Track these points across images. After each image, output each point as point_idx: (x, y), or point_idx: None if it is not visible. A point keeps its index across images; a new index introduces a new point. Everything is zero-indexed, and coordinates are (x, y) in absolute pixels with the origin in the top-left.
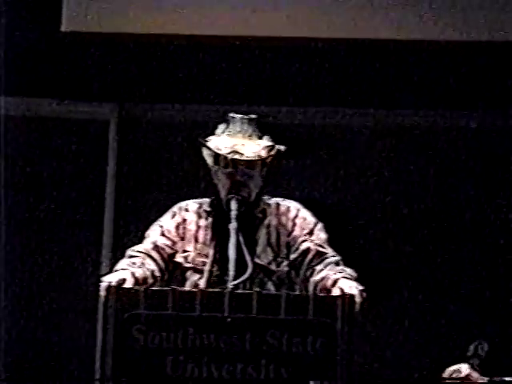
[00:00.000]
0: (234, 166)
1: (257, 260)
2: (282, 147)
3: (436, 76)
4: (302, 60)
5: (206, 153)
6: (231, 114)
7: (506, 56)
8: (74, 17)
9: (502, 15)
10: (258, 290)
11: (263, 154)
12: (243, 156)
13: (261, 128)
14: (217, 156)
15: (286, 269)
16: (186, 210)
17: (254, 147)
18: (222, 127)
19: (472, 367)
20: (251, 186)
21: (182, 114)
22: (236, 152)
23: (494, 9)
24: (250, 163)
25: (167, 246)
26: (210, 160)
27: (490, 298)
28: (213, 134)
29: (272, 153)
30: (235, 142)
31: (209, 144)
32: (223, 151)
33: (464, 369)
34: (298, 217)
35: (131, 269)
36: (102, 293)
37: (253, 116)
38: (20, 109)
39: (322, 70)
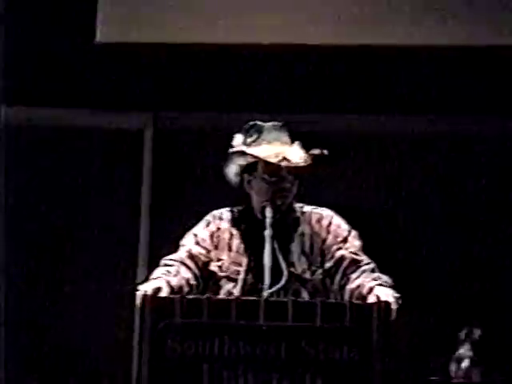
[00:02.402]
0: (277, 173)
1: (291, 269)
2: (326, 151)
3: (460, 82)
4: (328, 67)
5: (239, 162)
6: (260, 123)
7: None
8: (107, 28)
9: (501, 19)
10: (293, 298)
11: (308, 160)
12: (291, 162)
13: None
14: (253, 164)
15: (321, 277)
16: (220, 219)
17: (298, 153)
18: (254, 136)
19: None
20: (291, 193)
21: (217, 122)
22: (285, 159)
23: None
24: (296, 170)
25: (202, 254)
26: (243, 169)
27: None
28: (244, 143)
29: (314, 158)
30: (277, 149)
31: (251, 152)
32: (273, 159)
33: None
34: (332, 224)
35: (166, 277)
36: (138, 302)
37: (282, 123)
38: (55, 119)
39: (350, 77)
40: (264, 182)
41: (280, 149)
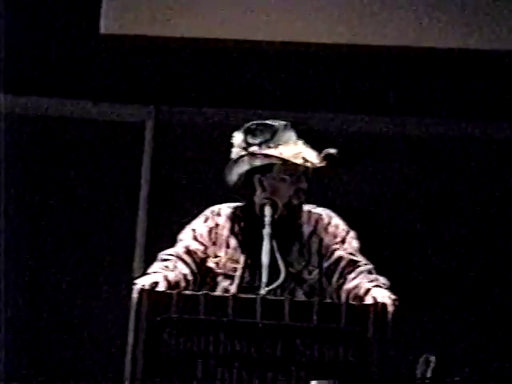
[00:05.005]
0: (295, 174)
1: (289, 268)
2: (334, 150)
3: (468, 86)
4: (332, 66)
5: (253, 162)
6: (269, 122)
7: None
8: (112, 19)
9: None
10: (290, 296)
11: (323, 160)
12: (312, 163)
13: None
14: (268, 165)
15: (318, 277)
16: (219, 215)
17: (313, 154)
18: (264, 136)
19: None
20: (307, 192)
21: (218, 117)
22: (305, 160)
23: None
24: (311, 170)
25: (199, 250)
26: (256, 169)
27: None
28: (247, 142)
29: (325, 158)
30: (294, 150)
31: (273, 154)
32: (298, 160)
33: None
34: (331, 225)
35: (164, 272)
36: (135, 296)
37: (289, 123)
38: (58, 110)
39: (352, 77)
40: (283, 183)
41: (296, 149)
